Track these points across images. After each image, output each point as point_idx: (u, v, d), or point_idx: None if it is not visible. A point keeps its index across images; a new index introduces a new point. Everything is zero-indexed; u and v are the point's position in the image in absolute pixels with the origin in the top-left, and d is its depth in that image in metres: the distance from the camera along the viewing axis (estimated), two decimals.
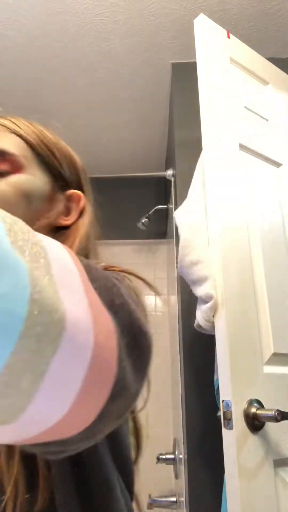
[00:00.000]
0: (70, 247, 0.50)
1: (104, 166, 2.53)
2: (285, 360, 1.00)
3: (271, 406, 0.87)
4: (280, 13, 1.57)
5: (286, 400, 0.93)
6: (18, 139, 0.52)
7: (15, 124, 0.54)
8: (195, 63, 1.18)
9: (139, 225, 2.28)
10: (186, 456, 1.27)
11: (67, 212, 0.56)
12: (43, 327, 0.19)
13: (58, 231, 0.54)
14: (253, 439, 0.84)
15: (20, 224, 0.23)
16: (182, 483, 1.37)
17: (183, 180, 1.55)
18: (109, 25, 1.62)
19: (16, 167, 0.50)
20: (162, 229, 2.49)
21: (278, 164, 1.28)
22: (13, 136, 0.52)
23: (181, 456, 1.46)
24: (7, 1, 1.52)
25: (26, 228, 0.23)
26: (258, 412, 0.84)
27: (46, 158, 0.54)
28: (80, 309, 0.23)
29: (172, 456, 1.72)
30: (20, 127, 0.53)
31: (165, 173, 1.83)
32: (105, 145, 2.36)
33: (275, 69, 1.44)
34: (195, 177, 1.19)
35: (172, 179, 1.73)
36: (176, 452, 1.70)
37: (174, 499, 1.64)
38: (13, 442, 0.23)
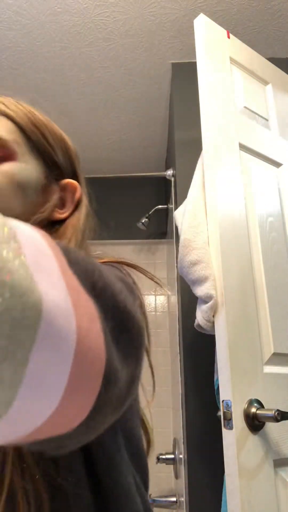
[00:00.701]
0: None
1: (104, 166, 2.53)
2: (285, 360, 1.00)
3: (271, 406, 0.87)
4: (280, 13, 1.57)
5: (286, 400, 0.93)
6: (8, 121, 0.46)
7: (4, 104, 0.47)
8: (195, 63, 1.18)
9: (139, 225, 2.28)
10: (186, 456, 1.27)
11: (61, 204, 0.51)
12: (17, 312, 0.18)
13: (52, 226, 0.49)
14: (253, 439, 0.84)
15: None
16: (182, 483, 1.37)
17: (183, 180, 1.55)
18: (109, 25, 1.62)
19: (8, 154, 0.44)
20: (162, 229, 2.49)
21: (278, 164, 1.28)
22: (2, 118, 0.46)
23: (181, 456, 1.46)
24: (7, 1, 1.52)
25: None
26: (258, 412, 0.84)
27: (38, 143, 0.48)
28: (58, 292, 0.21)
29: (172, 456, 1.72)
30: (9, 108, 0.47)
31: (165, 173, 1.83)
32: (105, 145, 2.36)
33: (275, 69, 1.44)
34: (195, 177, 1.19)
35: (172, 179, 1.73)
36: (176, 452, 1.70)
37: (174, 499, 1.64)
38: (6, 441, 0.22)
